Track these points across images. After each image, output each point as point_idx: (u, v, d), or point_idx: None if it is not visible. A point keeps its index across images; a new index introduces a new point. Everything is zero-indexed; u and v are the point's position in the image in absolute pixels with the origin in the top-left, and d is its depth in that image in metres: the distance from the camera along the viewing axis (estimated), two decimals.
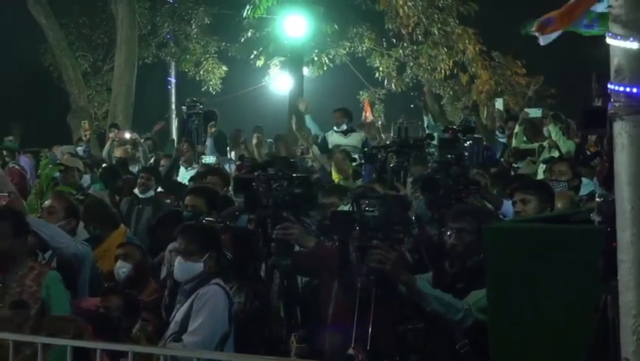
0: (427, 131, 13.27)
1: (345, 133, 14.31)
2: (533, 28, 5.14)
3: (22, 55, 23.68)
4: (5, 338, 5.67)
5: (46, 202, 8.44)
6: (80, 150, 16.48)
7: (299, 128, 17.09)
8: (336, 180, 11.44)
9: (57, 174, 11.17)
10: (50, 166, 11.33)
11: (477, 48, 23.36)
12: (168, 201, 10.46)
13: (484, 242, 5.34)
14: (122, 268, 6.75)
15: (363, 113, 18.38)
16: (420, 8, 22.88)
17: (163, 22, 23.42)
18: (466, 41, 23.27)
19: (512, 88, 23.36)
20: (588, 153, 12.41)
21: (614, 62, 3.24)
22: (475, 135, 12.38)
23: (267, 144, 16.26)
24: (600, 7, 12.00)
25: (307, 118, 16.25)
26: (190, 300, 5.89)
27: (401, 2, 22.63)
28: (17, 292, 6.17)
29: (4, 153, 14.57)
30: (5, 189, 8.11)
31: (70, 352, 5.64)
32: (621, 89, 3.22)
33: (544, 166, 11.10)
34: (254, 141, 16.02)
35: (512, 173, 10.93)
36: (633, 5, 3.19)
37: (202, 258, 6.02)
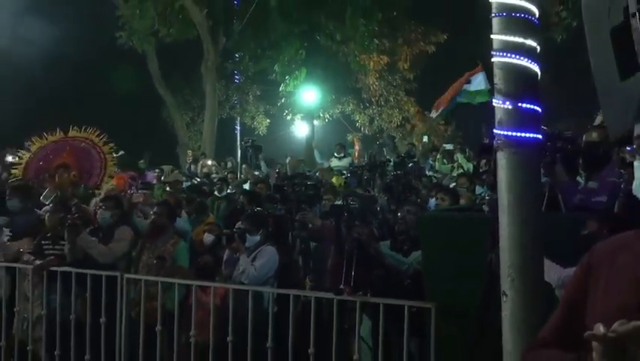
0: (387, 157, 13.29)
1: (340, 158, 14.45)
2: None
3: (149, 113, 23.75)
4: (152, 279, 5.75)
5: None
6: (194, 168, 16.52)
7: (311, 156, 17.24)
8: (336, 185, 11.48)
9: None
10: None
11: (416, 109, 23.43)
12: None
13: (420, 222, 5.38)
14: (209, 238, 6.76)
15: (355, 146, 18.40)
16: (382, 85, 22.97)
17: (232, 94, 23.43)
18: (409, 105, 23.34)
19: (436, 132, 23.40)
20: (480, 170, 12.41)
21: (497, 116, 3.26)
22: (414, 159, 12.44)
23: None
24: (472, 87, 12.22)
25: (316, 151, 16.41)
26: (254, 254, 5.86)
27: (371, 82, 22.73)
28: (162, 250, 6.15)
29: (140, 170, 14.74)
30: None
31: (177, 288, 5.68)
32: (502, 132, 3.23)
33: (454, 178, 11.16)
34: (287, 160, 16.09)
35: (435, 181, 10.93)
36: (508, 83, 3.21)
37: (258, 232, 6.03)
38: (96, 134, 7.93)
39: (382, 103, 23.48)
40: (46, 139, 8.02)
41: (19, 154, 8.21)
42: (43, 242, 6.49)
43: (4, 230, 6.78)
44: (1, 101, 23.64)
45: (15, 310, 6.39)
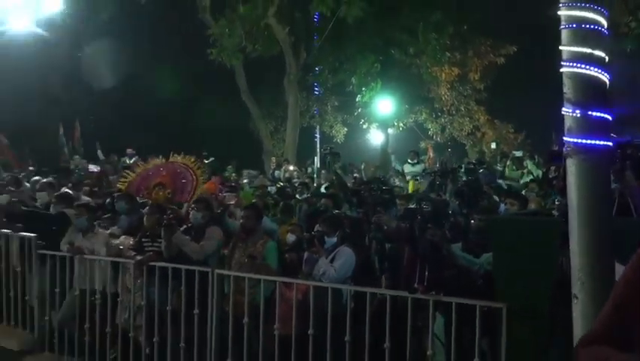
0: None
1: (413, 164, 14.31)
2: None
3: (236, 123, 24.19)
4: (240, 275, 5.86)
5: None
6: (278, 173, 16.70)
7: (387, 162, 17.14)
8: (411, 191, 11.37)
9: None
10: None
11: (486, 118, 22.99)
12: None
13: (491, 225, 5.27)
14: (291, 237, 6.83)
15: (428, 153, 18.21)
16: (453, 95, 22.66)
17: (312, 104, 23.58)
18: (480, 114, 22.91)
19: (505, 140, 22.88)
20: (550, 176, 12.06)
21: (567, 124, 3.17)
22: (484, 166, 12.20)
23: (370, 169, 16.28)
24: None
25: (392, 157, 16.32)
26: (332, 255, 5.87)
27: (443, 92, 22.45)
28: (252, 250, 6.25)
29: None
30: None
31: (263, 284, 5.77)
32: (571, 140, 3.15)
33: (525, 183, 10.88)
34: (362, 167, 16.10)
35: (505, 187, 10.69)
36: (577, 92, 3.12)
37: (335, 234, 6.05)
38: (192, 160, 8.28)
39: (453, 112, 23.14)
40: (149, 162, 8.51)
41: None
42: (143, 240, 6.73)
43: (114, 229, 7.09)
44: (106, 114, 24.63)
45: (118, 300, 6.65)
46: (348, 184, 12.07)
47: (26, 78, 20.24)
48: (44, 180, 9.38)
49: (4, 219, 7.84)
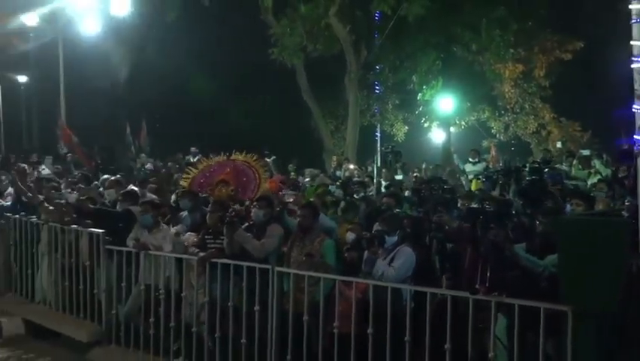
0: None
1: (474, 163, 14.06)
2: None
3: (297, 122, 24.36)
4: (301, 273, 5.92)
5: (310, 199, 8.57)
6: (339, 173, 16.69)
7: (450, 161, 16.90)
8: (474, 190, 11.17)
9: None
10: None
11: (551, 116, 22.37)
12: None
13: (557, 226, 5.14)
14: (351, 236, 6.81)
15: (491, 152, 17.85)
16: (518, 93, 22.15)
17: (373, 103, 23.49)
18: (545, 112, 22.31)
19: (572, 138, 22.19)
20: (620, 175, 11.62)
21: (638, 122, 3.06)
22: (550, 165, 11.89)
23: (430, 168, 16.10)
24: None
25: (455, 156, 16.08)
26: (392, 254, 5.84)
27: (506, 90, 21.98)
28: (310, 248, 6.28)
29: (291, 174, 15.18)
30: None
31: (323, 282, 5.78)
32: None
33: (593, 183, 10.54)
34: (423, 166, 15.95)
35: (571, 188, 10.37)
36: None
37: (395, 233, 6.01)
38: (253, 158, 8.36)
39: (517, 110, 22.61)
40: (212, 159, 8.64)
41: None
42: (206, 237, 6.85)
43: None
44: (171, 113, 25.20)
45: (182, 296, 6.80)
46: (409, 183, 11.98)
47: (96, 79, 20.93)
48: (112, 177, 9.67)
49: (74, 216, 8.12)
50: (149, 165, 14.38)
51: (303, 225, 6.47)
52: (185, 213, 7.88)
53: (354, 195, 10.55)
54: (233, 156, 8.64)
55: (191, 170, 8.46)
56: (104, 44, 21.13)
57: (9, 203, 9.59)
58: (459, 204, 7.85)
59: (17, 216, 9.05)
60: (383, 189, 11.19)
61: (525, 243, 5.99)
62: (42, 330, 8.21)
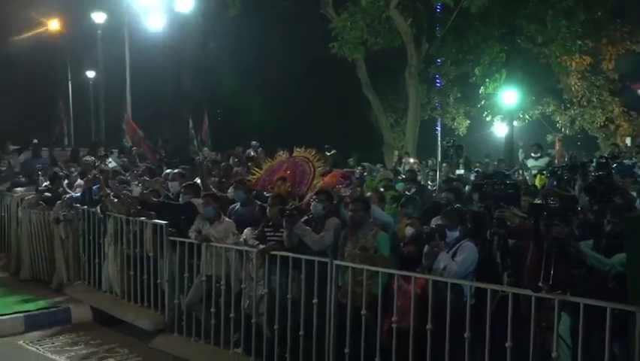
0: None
1: (536, 158, 13.70)
2: None
3: (357, 115, 24.35)
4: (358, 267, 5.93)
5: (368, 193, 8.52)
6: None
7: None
8: (539, 186, 10.87)
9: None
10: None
11: (620, 109, 21.60)
12: None
13: (626, 224, 4.95)
14: (410, 231, 6.75)
15: (555, 147, 17.40)
16: (585, 85, 21.50)
17: (434, 96, 23.27)
18: (614, 105, 21.56)
19: None
20: None
21: None
22: (618, 160, 11.48)
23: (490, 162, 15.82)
24: None
25: (520, 150, 15.73)
26: (454, 249, 5.76)
27: (573, 83, 21.37)
28: (363, 242, 6.25)
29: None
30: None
31: (381, 276, 5.77)
32: None
33: None
34: (485, 161, 15.67)
35: None
36: None
37: (457, 228, 5.93)
38: (312, 153, 8.40)
39: (584, 103, 21.93)
40: (275, 159, 8.73)
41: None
42: (265, 229, 6.92)
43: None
44: (232, 107, 25.57)
45: (242, 287, 6.90)
46: (471, 178, 11.78)
47: (160, 74, 21.45)
48: (176, 170, 9.88)
49: (139, 208, 8.35)
50: (211, 158, 14.61)
51: (354, 218, 6.47)
52: (237, 206, 7.99)
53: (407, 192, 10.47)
54: (294, 153, 8.72)
55: (256, 170, 8.55)
56: (169, 40, 21.63)
57: (78, 194, 9.92)
58: (522, 200, 7.68)
59: (85, 207, 9.38)
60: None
61: (592, 240, 5.81)
62: (108, 317, 8.48)
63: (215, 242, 7.21)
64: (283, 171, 8.19)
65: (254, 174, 8.50)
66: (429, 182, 12.28)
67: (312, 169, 8.18)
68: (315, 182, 7.97)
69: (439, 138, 22.74)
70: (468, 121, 23.33)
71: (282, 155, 8.89)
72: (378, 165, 15.14)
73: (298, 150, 8.79)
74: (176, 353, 7.30)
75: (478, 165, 15.35)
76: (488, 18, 18.97)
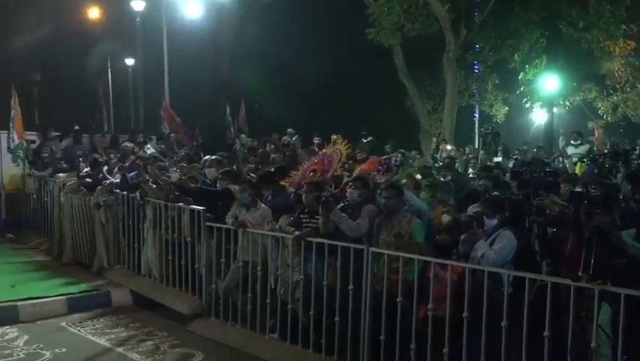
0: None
1: (576, 146, 13.45)
2: None
3: (394, 102, 24.20)
4: (394, 254, 5.91)
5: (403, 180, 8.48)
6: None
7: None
8: (579, 174, 10.67)
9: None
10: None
11: None
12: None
13: None
14: (446, 218, 6.70)
15: (595, 134, 17.06)
16: (629, 71, 20.96)
17: (472, 83, 22.98)
18: None
19: None
20: None
21: None
22: None
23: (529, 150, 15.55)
24: None
25: (560, 138, 15.48)
26: (492, 237, 5.70)
27: (616, 68, 20.85)
28: (397, 228, 6.24)
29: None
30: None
31: (417, 263, 5.76)
32: None
33: None
34: (524, 148, 15.44)
35: None
36: None
37: (494, 216, 5.86)
38: (344, 143, 8.38)
39: (628, 89, 21.38)
40: (312, 159, 8.78)
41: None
42: (301, 216, 6.95)
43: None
44: (269, 94, 25.65)
45: (278, 273, 6.96)
46: (509, 165, 11.61)
47: (198, 62, 21.55)
48: (213, 157, 9.97)
49: (177, 194, 8.46)
50: (248, 145, 14.69)
51: (387, 205, 6.44)
52: (269, 197, 8.00)
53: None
54: (328, 147, 8.74)
55: (294, 173, 8.57)
56: (206, 28, 21.72)
57: (118, 180, 10.08)
58: (562, 188, 7.55)
59: (125, 193, 9.55)
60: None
61: (634, 230, 5.69)
62: (147, 301, 8.64)
63: (251, 228, 7.27)
64: (314, 164, 8.22)
65: (290, 177, 8.51)
66: (470, 169, 12.15)
67: (339, 156, 8.20)
68: (338, 165, 7.96)
69: (477, 125, 22.49)
70: (506, 108, 23.00)
71: (316, 153, 8.92)
72: (412, 152, 14.99)
73: (334, 137, 8.81)
74: (213, 337, 7.40)
75: (517, 152, 15.11)
76: (528, 3, 18.61)
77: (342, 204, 6.92)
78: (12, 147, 13.38)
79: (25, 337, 7.33)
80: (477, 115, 23.70)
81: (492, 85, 22.70)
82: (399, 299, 5.76)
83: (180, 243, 8.25)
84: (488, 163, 11.93)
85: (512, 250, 5.60)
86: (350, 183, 7.08)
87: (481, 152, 13.56)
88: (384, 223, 6.40)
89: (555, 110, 22.21)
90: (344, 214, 6.59)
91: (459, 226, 6.13)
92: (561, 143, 15.06)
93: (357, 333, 6.12)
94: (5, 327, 7.62)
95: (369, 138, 15.97)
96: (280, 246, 6.95)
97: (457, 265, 5.61)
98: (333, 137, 14.63)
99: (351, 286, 6.13)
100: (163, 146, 14.72)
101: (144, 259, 9.10)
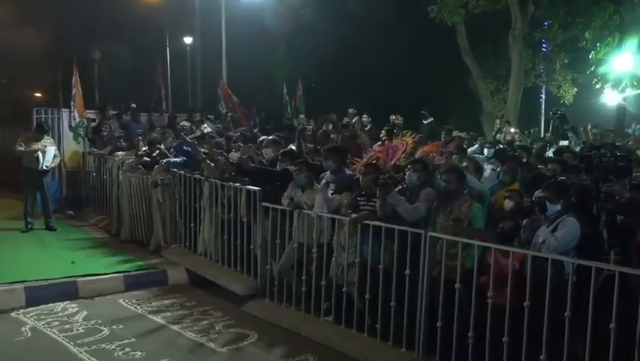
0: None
1: None
2: None
3: (455, 83, 23.81)
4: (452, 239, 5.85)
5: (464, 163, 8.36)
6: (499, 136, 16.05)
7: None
8: None
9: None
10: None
11: None
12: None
13: None
14: (509, 204, 6.58)
15: None
16: None
17: (539, 62, 22.38)
18: None
19: None
20: None
21: None
22: None
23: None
24: None
25: (634, 124, 14.94)
26: (555, 223, 5.54)
27: None
28: (457, 212, 6.15)
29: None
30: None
31: (477, 249, 5.68)
32: None
33: None
34: (591, 130, 14.94)
35: None
36: None
37: (559, 201, 5.70)
38: (412, 135, 8.24)
39: None
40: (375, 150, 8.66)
41: None
42: (358, 198, 6.93)
43: (330, 185, 7.39)
44: (326, 74, 25.60)
45: (334, 256, 6.99)
46: (577, 149, 11.29)
47: (256, 40, 21.72)
48: (270, 137, 10.04)
49: (233, 173, 8.57)
50: (305, 125, 14.71)
51: (447, 189, 6.36)
52: (327, 174, 7.98)
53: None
54: (395, 139, 8.65)
55: (356, 160, 8.52)
56: (264, 6, 21.83)
57: (176, 159, 10.25)
58: (634, 174, 7.30)
59: (182, 171, 9.74)
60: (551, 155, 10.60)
61: None
62: (203, 280, 8.83)
63: (307, 209, 7.31)
64: (378, 153, 8.15)
65: (353, 164, 8.47)
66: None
67: (405, 147, 8.10)
68: (402, 156, 7.84)
69: (543, 107, 21.92)
70: (575, 89, 22.30)
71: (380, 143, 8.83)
72: (463, 133, 14.68)
73: (393, 117, 8.71)
74: (267, 318, 7.51)
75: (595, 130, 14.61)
76: None
77: (400, 187, 6.88)
78: (73, 125, 13.83)
79: (84, 312, 7.60)
80: (543, 96, 23.05)
81: (560, 64, 22.04)
82: (457, 286, 5.70)
83: (236, 223, 8.38)
84: (557, 146, 11.63)
85: (575, 238, 5.44)
86: (409, 166, 7.01)
87: (547, 135, 13.21)
88: (442, 207, 6.32)
89: (628, 91, 21.40)
90: (402, 197, 6.55)
91: (522, 211, 6.02)
92: (632, 127, 14.52)
93: (413, 319, 6.11)
94: (65, 302, 7.92)
95: (430, 119, 15.78)
96: (336, 228, 6.96)
97: (519, 251, 5.51)
98: (392, 117, 14.53)
99: (407, 271, 6.10)
100: (220, 125, 14.91)
101: (201, 238, 9.28)
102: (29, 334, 6.89)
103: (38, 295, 7.91)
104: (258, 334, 7.01)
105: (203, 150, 9.71)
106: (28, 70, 22.14)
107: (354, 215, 6.72)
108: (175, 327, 7.21)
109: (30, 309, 7.65)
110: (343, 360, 6.29)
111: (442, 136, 12.74)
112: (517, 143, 13.27)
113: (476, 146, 12.02)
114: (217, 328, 7.21)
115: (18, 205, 12.03)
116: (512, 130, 15.92)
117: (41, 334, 6.90)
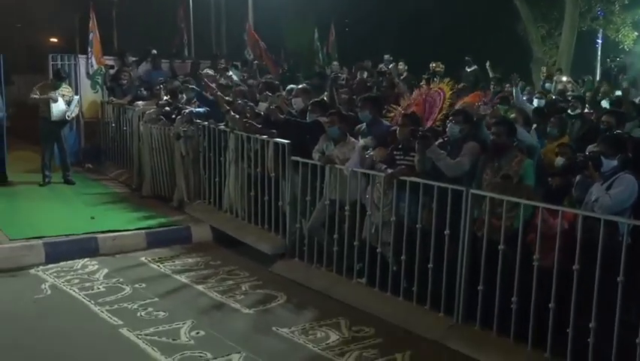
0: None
1: None
2: None
3: (503, 27, 23.26)
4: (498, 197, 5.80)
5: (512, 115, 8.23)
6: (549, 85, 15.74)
7: None
8: None
9: None
10: None
11: None
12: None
13: None
14: (560, 161, 6.48)
15: None
16: None
17: (595, 4, 21.74)
18: None
19: None
20: None
21: None
22: None
23: None
24: None
25: None
26: (610, 181, 5.42)
27: None
28: (507, 169, 6.05)
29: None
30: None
31: (523, 208, 5.62)
32: None
33: None
34: None
35: None
36: None
37: (615, 156, 5.59)
38: (450, 84, 8.05)
39: None
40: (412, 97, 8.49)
41: None
42: (395, 152, 6.88)
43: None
44: (361, 17, 25.22)
45: (367, 214, 6.99)
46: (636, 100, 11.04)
47: None
48: (300, 86, 9.97)
49: (259, 126, 8.55)
50: (339, 73, 14.58)
51: (497, 143, 6.24)
52: (363, 126, 7.94)
53: (570, 112, 9.91)
54: (432, 85, 8.47)
55: (393, 107, 8.41)
56: None
57: (199, 109, 10.24)
58: None
59: (206, 123, 9.75)
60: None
61: None
62: (228, 238, 8.93)
63: (339, 164, 7.29)
64: (414, 106, 8.03)
65: (390, 112, 8.37)
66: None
67: (442, 99, 7.93)
68: (440, 115, 7.68)
69: (599, 54, 21.35)
70: (636, 33, 21.67)
71: (417, 92, 8.65)
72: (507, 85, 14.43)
73: (433, 64, 8.53)
74: (296, 279, 7.59)
75: None
76: None
77: (440, 140, 6.80)
78: (90, 73, 13.91)
79: (105, 270, 7.78)
80: (600, 41, 22.42)
81: (620, 6, 21.37)
82: (501, 247, 5.67)
83: (264, 178, 8.41)
84: (611, 96, 11.39)
85: (632, 196, 5.34)
86: (450, 117, 6.91)
87: (603, 84, 12.92)
88: (490, 162, 6.23)
89: None
90: (443, 151, 6.48)
91: (574, 167, 5.92)
92: None
93: (452, 282, 6.12)
94: (85, 259, 8.11)
95: (474, 67, 15.54)
96: (371, 184, 6.94)
97: (569, 211, 5.44)
98: (432, 64, 14.33)
99: (447, 231, 6.09)
100: (246, 74, 14.87)
101: (226, 193, 9.35)
102: (49, 292, 7.08)
103: (58, 252, 8.10)
104: (287, 295, 7.09)
105: (228, 98, 9.69)
106: (43, 13, 22.20)
107: (389, 170, 6.68)
108: (200, 287, 7.32)
109: (50, 266, 7.85)
110: (377, 325, 6.31)
111: (491, 87, 12.54)
112: (569, 93, 13.02)
113: (524, 96, 11.80)
114: (243, 288, 7.31)
115: (35, 158, 12.23)
116: (564, 79, 15.62)
117: (61, 292, 7.08)
